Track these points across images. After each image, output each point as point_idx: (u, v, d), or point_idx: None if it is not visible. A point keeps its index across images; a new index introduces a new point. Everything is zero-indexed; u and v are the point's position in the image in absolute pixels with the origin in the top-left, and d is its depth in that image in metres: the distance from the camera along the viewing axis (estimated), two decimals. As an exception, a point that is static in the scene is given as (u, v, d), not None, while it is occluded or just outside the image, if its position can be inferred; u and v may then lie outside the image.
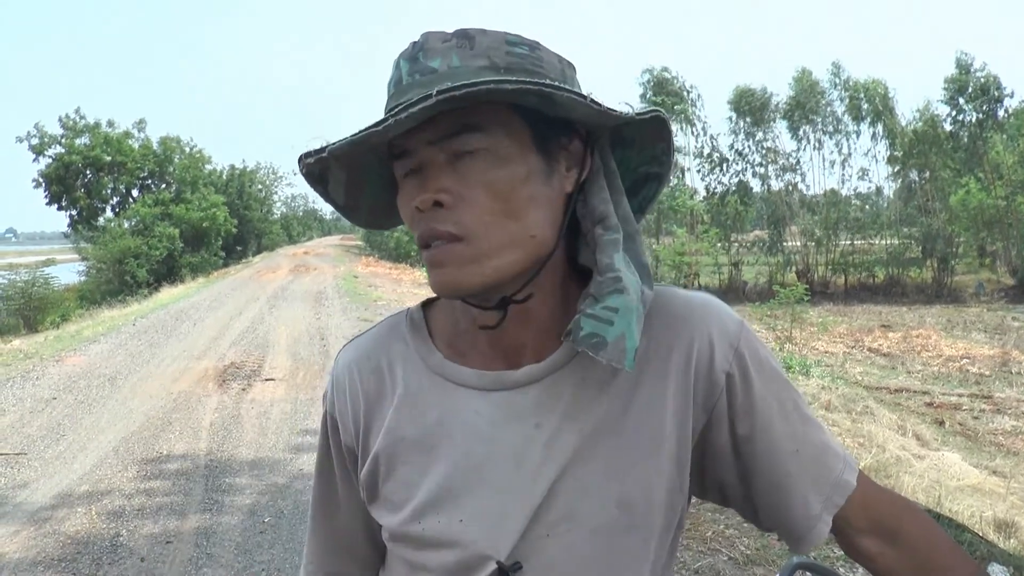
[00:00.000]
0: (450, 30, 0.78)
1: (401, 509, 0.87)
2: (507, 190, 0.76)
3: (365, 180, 0.85)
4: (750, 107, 32.00)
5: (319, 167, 0.79)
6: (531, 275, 0.80)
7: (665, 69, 33.34)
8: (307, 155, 0.77)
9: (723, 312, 0.86)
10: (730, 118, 32.67)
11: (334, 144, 0.75)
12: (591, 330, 0.77)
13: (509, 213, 0.76)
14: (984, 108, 29.13)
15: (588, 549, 0.81)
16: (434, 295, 0.96)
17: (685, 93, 33.03)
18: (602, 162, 0.83)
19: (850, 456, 0.87)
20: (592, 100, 0.74)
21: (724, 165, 33.09)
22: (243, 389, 8.38)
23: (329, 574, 1.02)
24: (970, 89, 28.99)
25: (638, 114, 0.79)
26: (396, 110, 0.70)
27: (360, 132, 0.72)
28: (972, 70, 29.19)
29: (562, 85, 0.72)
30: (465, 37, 0.76)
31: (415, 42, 0.78)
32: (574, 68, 0.82)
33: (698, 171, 33.87)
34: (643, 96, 32.43)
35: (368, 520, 0.95)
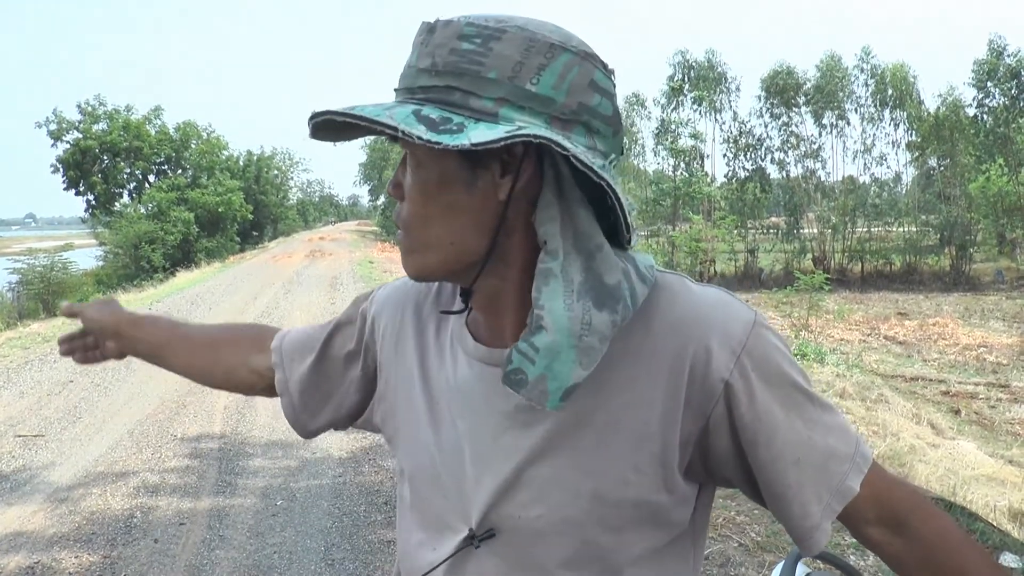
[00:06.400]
0: (453, 15, 0.78)
1: (397, 451, 0.97)
2: (422, 195, 0.79)
3: None
4: (780, 88, 31.35)
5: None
6: (477, 271, 0.81)
7: (711, 52, 32.64)
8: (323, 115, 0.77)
9: (730, 314, 0.80)
10: (759, 97, 32.15)
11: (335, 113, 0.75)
12: (517, 365, 0.75)
13: (426, 217, 0.79)
14: (1013, 92, 28.66)
15: (560, 538, 0.82)
16: None
17: (724, 81, 32.36)
18: (556, 170, 0.77)
19: (862, 453, 0.84)
20: (411, 134, 0.69)
21: (749, 151, 32.62)
22: (257, 373, 8.43)
23: (287, 359, 1.09)
24: (1000, 72, 28.51)
25: (522, 136, 0.70)
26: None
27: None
28: (1004, 53, 28.68)
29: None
30: (430, 31, 0.77)
31: None
32: (559, 52, 0.74)
33: (724, 156, 33.46)
34: (671, 78, 32.01)
35: (313, 389, 1.06)
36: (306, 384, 1.06)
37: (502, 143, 0.69)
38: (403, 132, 0.69)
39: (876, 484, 0.84)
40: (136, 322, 1.20)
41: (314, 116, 0.76)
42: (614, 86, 0.79)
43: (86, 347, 1.25)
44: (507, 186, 0.77)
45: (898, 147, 31.83)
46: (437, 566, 0.88)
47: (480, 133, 0.70)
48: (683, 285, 0.84)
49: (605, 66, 0.78)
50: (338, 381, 1.05)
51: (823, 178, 32.64)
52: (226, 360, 1.14)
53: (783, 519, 0.84)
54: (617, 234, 0.81)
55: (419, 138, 0.69)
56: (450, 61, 0.74)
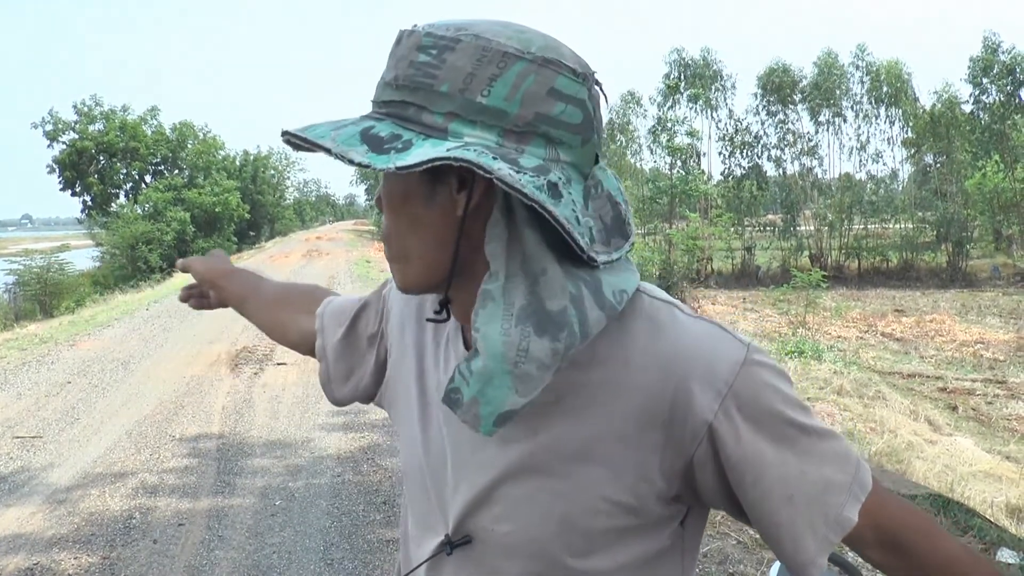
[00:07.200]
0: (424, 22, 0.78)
1: (398, 442, 1.01)
2: (391, 209, 0.80)
3: None
4: (776, 85, 31.28)
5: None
6: (448, 285, 0.80)
7: (706, 50, 32.48)
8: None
9: (717, 352, 0.77)
10: (755, 95, 32.13)
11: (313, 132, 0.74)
12: (457, 384, 0.75)
13: (399, 231, 0.80)
14: (1009, 89, 28.67)
15: (528, 556, 0.82)
16: None
17: (720, 79, 32.19)
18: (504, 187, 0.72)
19: (860, 481, 0.81)
20: (337, 151, 0.70)
21: (746, 149, 32.56)
22: (255, 373, 8.44)
23: (327, 326, 1.11)
24: (996, 69, 28.50)
25: (450, 159, 0.67)
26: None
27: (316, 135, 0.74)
28: (999, 50, 28.69)
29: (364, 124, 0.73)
30: (398, 42, 0.76)
31: None
32: (512, 61, 0.71)
33: (720, 154, 33.42)
34: (667, 76, 31.94)
35: (343, 354, 1.08)
36: (337, 354, 1.09)
37: (424, 167, 0.67)
38: (336, 155, 0.70)
39: (875, 510, 0.81)
40: (227, 275, 1.29)
41: (282, 134, 0.76)
42: (587, 92, 0.74)
43: (200, 295, 1.35)
44: (463, 202, 0.75)
45: (894, 144, 31.92)
46: (420, 564, 0.91)
47: (422, 152, 0.68)
48: (670, 316, 0.80)
49: (574, 71, 0.73)
50: (360, 359, 1.07)
51: (820, 175, 32.70)
52: (283, 319, 1.21)
53: (776, 553, 0.82)
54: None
55: (350, 160, 0.69)
56: (408, 74, 0.73)
